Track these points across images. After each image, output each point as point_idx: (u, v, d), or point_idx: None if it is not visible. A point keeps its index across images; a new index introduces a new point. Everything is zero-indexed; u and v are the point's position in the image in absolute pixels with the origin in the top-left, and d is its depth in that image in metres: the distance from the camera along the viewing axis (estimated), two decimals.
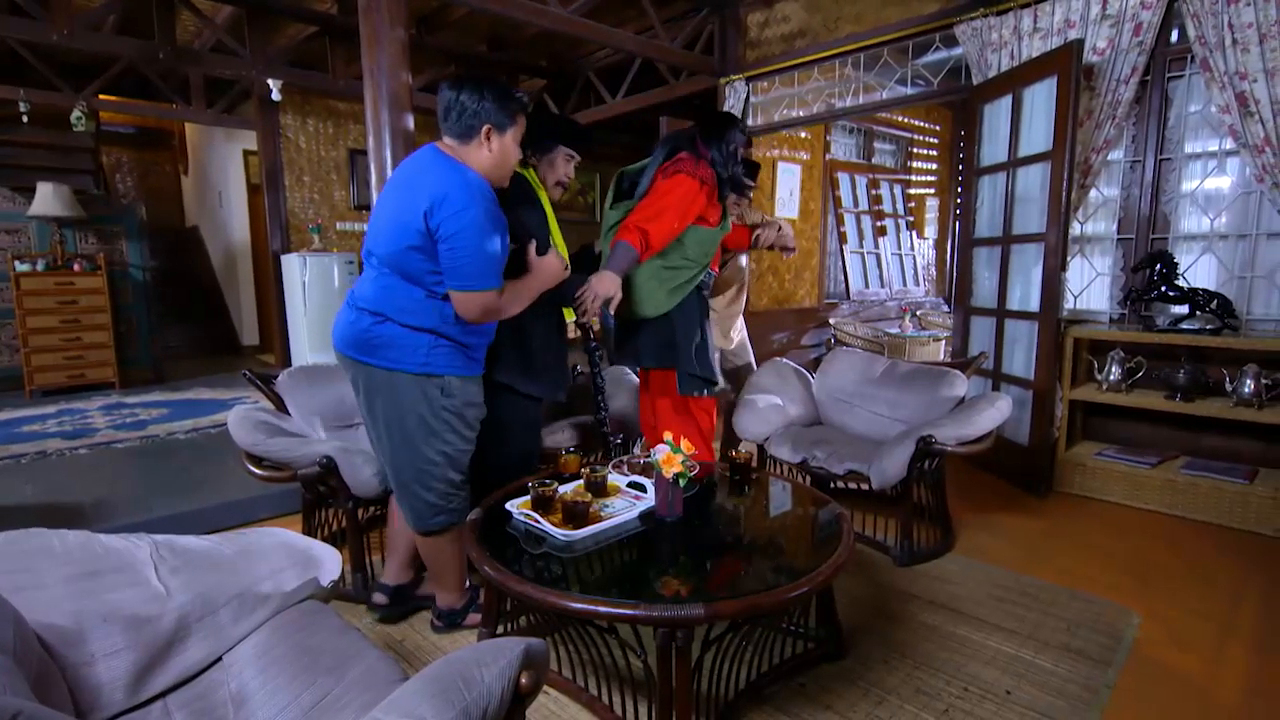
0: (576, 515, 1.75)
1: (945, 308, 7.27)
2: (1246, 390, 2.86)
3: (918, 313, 6.79)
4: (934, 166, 7.56)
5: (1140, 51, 3.00)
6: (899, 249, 7.23)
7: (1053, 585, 2.33)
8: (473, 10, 3.94)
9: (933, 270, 7.72)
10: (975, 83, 3.56)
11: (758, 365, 3.31)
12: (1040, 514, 3.02)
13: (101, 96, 5.58)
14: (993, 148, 3.50)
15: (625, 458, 2.25)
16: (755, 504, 2.12)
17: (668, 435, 1.84)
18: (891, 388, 2.92)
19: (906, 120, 7.09)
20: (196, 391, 5.32)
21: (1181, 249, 3.23)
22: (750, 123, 4.77)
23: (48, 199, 5.05)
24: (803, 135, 5.80)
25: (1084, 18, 3.11)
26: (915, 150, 7.34)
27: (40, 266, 5.11)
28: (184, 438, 3.93)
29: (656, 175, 2.35)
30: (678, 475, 1.78)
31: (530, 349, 2.11)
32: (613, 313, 2.23)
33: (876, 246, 6.93)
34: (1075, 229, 3.40)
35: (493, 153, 1.81)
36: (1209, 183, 3.16)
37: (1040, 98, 3.11)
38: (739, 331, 3.28)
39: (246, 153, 6.97)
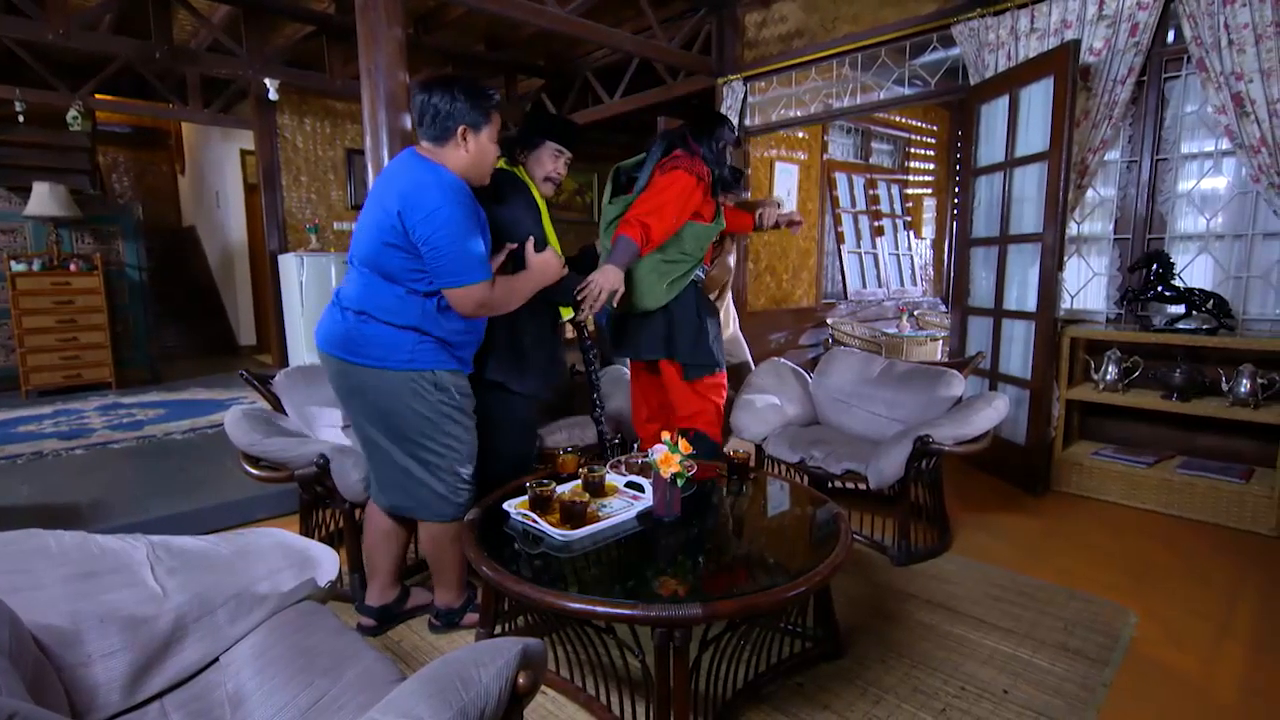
0: (574, 515, 1.75)
1: (942, 307, 7.28)
2: (1243, 390, 2.86)
3: (915, 313, 6.80)
4: (931, 167, 7.57)
5: (1137, 52, 3.01)
6: (896, 249, 7.24)
7: (1050, 584, 2.33)
8: (470, 10, 3.94)
9: (930, 270, 7.73)
10: (972, 83, 3.57)
11: (756, 365, 3.32)
12: (1037, 513, 3.03)
13: (98, 96, 5.57)
14: (990, 148, 3.51)
15: (623, 457, 2.26)
16: (753, 504, 2.12)
17: (665, 435, 1.84)
18: (889, 388, 2.93)
19: (904, 120, 7.10)
20: (193, 392, 5.31)
21: (1178, 249, 3.24)
22: (748, 123, 4.78)
23: (44, 199, 5.04)
24: (800, 135, 5.81)
25: (1081, 18, 3.11)
26: (913, 150, 7.34)
27: (36, 266, 5.10)
28: (181, 438, 3.92)
29: (654, 171, 2.41)
30: (675, 475, 1.78)
31: (523, 346, 2.12)
32: (615, 305, 2.26)
33: (874, 246, 6.93)
34: (1072, 229, 3.41)
35: (470, 153, 1.82)
36: (1205, 183, 3.16)
37: (1037, 98, 3.12)
38: (729, 327, 3.30)
39: (243, 152, 6.96)
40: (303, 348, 5.21)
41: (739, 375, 3.24)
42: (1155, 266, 3.07)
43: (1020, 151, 3.26)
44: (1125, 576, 2.41)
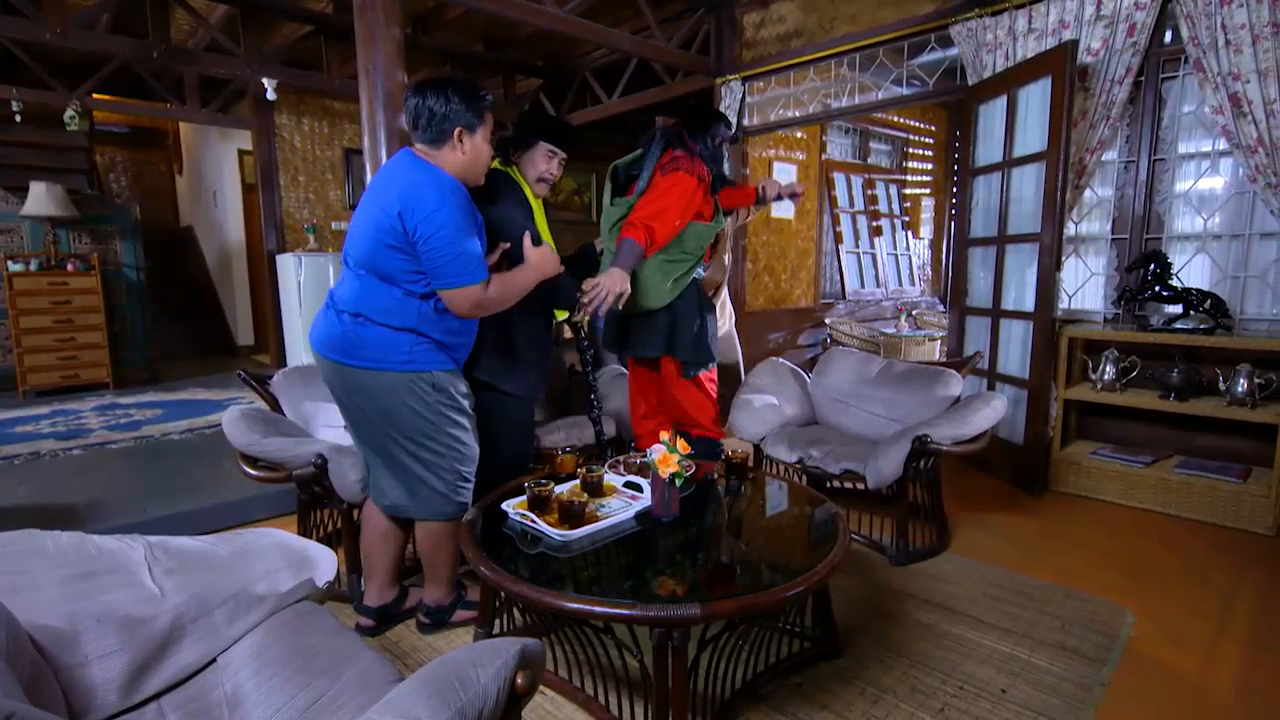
0: (572, 515, 1.75)
1: (941, 307, 7.29)
2: (1240, 389, 2.87)
3: (913, 312, 6.80)
4: (929, 167, 7.58)
5: (1134, 52, 3.01)
6: (895, 249, 7.24)
7: (1048, 584, 2.34)
8: (468, 10, 3.93)
9: (928, 270, 7.73)
10: (970, 83, 3.57)
11: (754, 365, 3.32)
12: (1035, 513, 3.03)
13: (95, 95, 5.55)
14: (988, 148, 3.51)
15: (621, 457, 2.26)
16: (751, 504, 2.12)
17: (664, 435, 1.84)
18: (887, 387, 2.93)
19: (902, 120, 7.10)
20: (191, 392, 5.31)
21: (1175, 249, 3.24)
22: (746, 123, 4.78)
23: (41, 198, 5.03)
24: (798, 135, 5.81)
25: (1078, 18, 3.12)
26: (911, 150, 7.35)
27: (33, 266, 5.09)
28: (179, 438, 3.91)
29: (655, 173, 2.41)
30: (674, 475, 1.78)
31: (516, 347, 2.12)
32: (620, 308, 2.28)
33: (872, 246, 6.93)
34: (1070, 229, 3.41)
35: (466, 154, 1.82)
36: (1202, 183, 3.17)
37: (1035, 98, 3.12)
38: (724, 326, 3.31)
39: (241, 152, 6.95)
40: (301, 348, 5.21)
41: (730, 376, 3.25)
42: (1153, 266, 3.08)
43: (1018, 152, 3.26)
44: (1123, 576, 2.42)
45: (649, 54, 4.53)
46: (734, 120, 4.70)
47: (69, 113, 5.24)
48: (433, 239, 1.70)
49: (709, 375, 2.67)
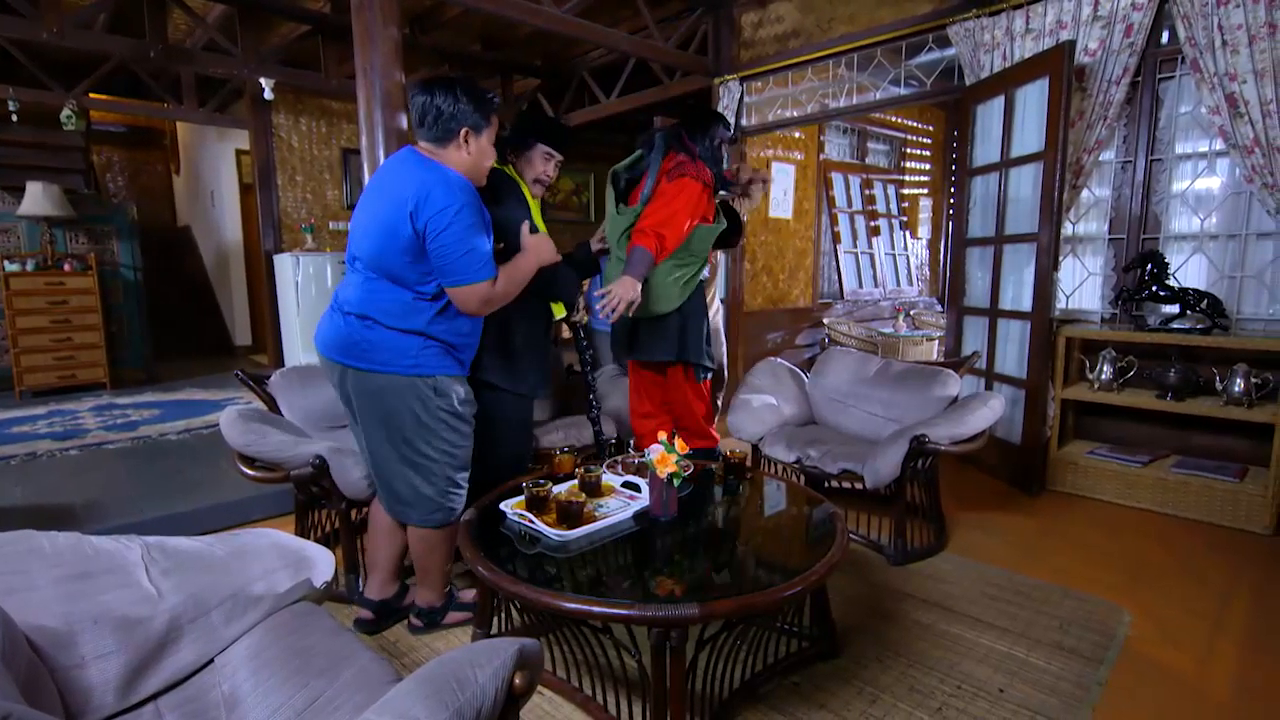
0: (571, 515, 1.75)
1: (938, 307, 7.30)
2: (1236, 389, 2.88)
3: (911, 312, 6.81)
4: (927, 167, 7.59)
5: (1131, 52, 3.02)
6: (892, 249, 7.25)
7: (1045, 583, 2.34)
8: (466, 9, 3.93)
9: (926, 270, 7.74)
10: (968, 83, 3.58)
11: (753, 365, 3.32)
12: (1033, 512, 3.04)
13: (92, 95, 5.54)
14: (985, 148, 3.52)
15: (619, 457, 2.26)
16: (750, 503, 2.12)
17: (662, 435, 1.84)
18: (885, 387, 2.93)
19: (900, 121, 7.11)
20: (189, 392, 5.30)
21: (1172, 249, 3.25)
22: (744, 123, 4.78)
23: (37, 198, 5.02)
24: (796, 135, 5.81)
25: (1075, 19, 3.12)
26: (909, 150, 7.36)
27: (30, 266, 5.08)
28: (176, 438, 3.91)
29: (660, 179, 2.43)
30: (672, 475, 1.78)
31: (514, 346, 2.12)
32: (631, 315, 2.30)
33: (870, 246, 6.94)
34: (1067, 229, 3.42)
35: (471, 154, 1.82)
36: (1199, 183, 3.18)
37: (1032, 98, 3.13)
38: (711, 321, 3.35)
39: (239, 152, 6.93)
40: (298, 348, 5.20)
41: (717, 375, 3.27)
42: (1150, 266, 3.09)
43: (1016, 152, 3.27)
44: (1120, 575, 2.42)
45: (647, 54, 4.53)
46: (732, 120, 4.70)
47: (66, 112, 5.23)
48: (442, 236, 1.69)
49: (704, 385, 2.72)
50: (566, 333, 2.54)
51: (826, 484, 2.68)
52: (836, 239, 6.50)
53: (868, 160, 6.91)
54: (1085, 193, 3.37)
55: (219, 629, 1.25)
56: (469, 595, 2.12)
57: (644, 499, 1.90)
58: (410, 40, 5.08)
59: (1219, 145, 3.02)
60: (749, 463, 2.27)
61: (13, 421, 4.31)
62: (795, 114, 4.61)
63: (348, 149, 6.61)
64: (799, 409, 3.12)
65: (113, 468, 3.39)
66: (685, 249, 2.46)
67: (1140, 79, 3.17)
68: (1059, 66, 2.92)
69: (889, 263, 7.19)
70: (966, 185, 3.67)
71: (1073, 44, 2.96)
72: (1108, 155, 3.31)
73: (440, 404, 1.83)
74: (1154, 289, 3.09)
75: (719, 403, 3.25)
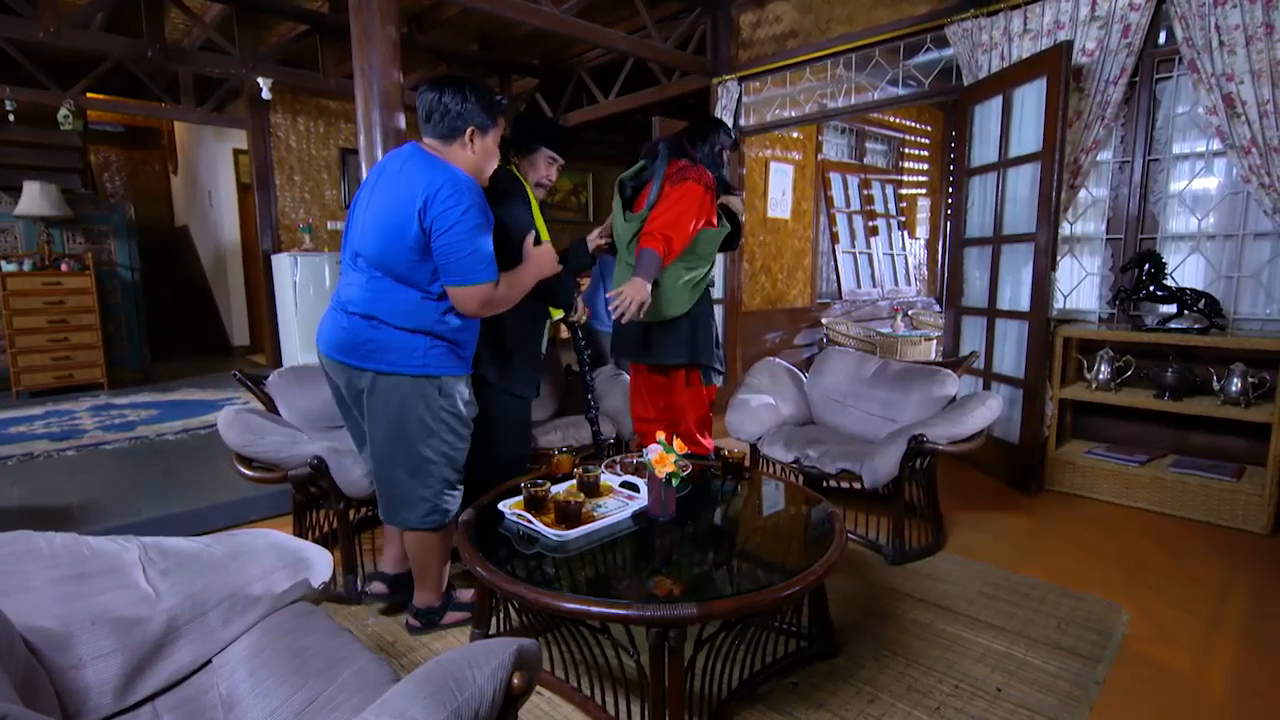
0: (569, 515, 1.75)
1: (936, 307, 7.31)
2: (1233, 389, 2.88)
3: (909, 312, 6.82)
4: (925, 167, 7.60)
5: (1129, 53, 3.02)
6: (891, 249, 7.26)
7: (1043, 583, 2.35)
8: (464, 9, 3.93)
9: (924, 270, 7.75)
10: (966, 84, 3.58)
11: (751, 365, 3.32)
12: (1030, 512, 3.04)
13: (89, 95, 5.53)
14: (983, 148, 3.52)
15: (618, 457, 2.26)
16: (748, 503, 2.12)
17: (660, 435, 1.84)
18: (883, 387, 2.93)
19: (898, 121, 7.12)
20: (186, 392, 5.29)
21: (1169, 249, 3.25)
22: (742, 123, 4.78)
23: (35, 198, 5.00)
24: (795, 135, 5.81)
25: (1073, 19, 3.13)
26: (907, 150, 7.37)
27: (27, 266, 5.06)
28: (173, 439, 3.90)
29: (664, 185, 2.50)
30: (670, 475, 1.78)
31: (507, 345, 2.12)
32: (642, 316, 2.33)
33: (868, 246, 6.95)
34: (1065, 229, 3.42)
35: (475, 154, 1.82)
36: (1196, 183, 3.18)
37: (1030, 99, 3.13)
38: None
39: (236, 152, 6.92)
40: (296, 348, 5.20)
41: None
42: (1147, 266, 3.09)
43: (1013, 152, 3.27)
44: (1118, 574, 2.43)
45: (645, 54, 4.53)
46: (730, 120, 4.70)
47: (63, 112, 5.22)
48: (448, 234, 1.68)
49: (708, 392, 2.74)
50: (565, 332, 2.55)
51: (825, 484, 2.69)
52: (835, 239, 6.51)
53: (866, 160, 6.92)
54: (1083, 193, 3.38)
55: (217, 630, 1.25)
56: (467, 595, 2.12)
57: (642, 499, 1.90)
58: (408, 40, 5.08)
59: (1216, 145, 3.02)
60: (747, 462, 2.27)
61: (10, 422, 4.30)
62: (793, 114, 4.62)
63: (346, 149, 6.60)
64: (797, 409, 3.12)
65: (110, 468, 3.38)
66: (692, 252, 2.50)
67: (1138, 79, 3.17)
68: (1057, 67, 2.92)
69: (887, 263, 7.19)
70: (964, 185, 3.68)
71: (1070, 44, 2.96)
72: (1105, 155, 3.32)
73: (444, 404, 1.83)
74: (1151, 289, 3.09)
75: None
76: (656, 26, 4.58)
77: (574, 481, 2.00)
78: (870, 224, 6.95)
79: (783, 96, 4.64)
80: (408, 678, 0.87)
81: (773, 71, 4.56)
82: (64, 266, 5.17)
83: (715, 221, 2.58)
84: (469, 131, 1.79)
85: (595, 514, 1.82)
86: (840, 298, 6.57)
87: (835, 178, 6.52)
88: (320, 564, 1.42)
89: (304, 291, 5.16)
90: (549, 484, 1.91)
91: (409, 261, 1.72)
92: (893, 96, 4.21)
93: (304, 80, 5.45)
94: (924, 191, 7.62)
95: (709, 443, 2.78)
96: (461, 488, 1.95)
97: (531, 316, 2.20)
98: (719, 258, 3.30)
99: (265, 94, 5.27)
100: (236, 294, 7.48)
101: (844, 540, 1.71)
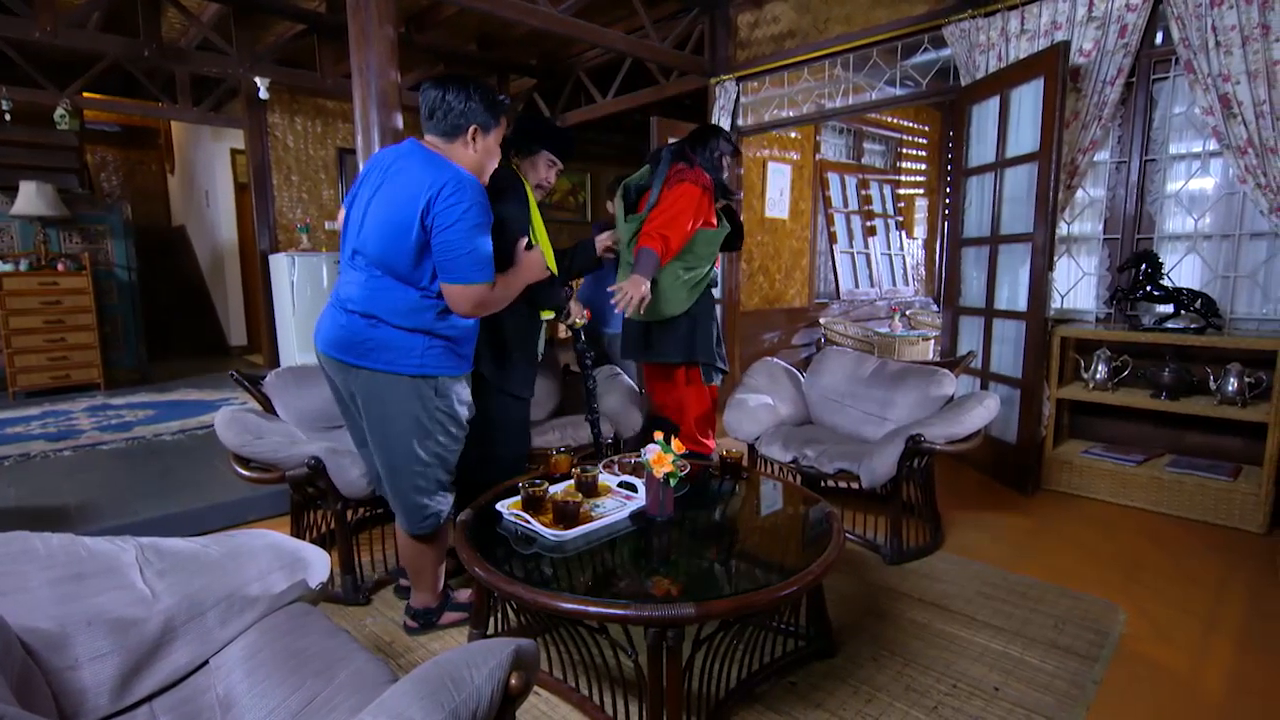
0: (567, 515, 1.75)
1: (934, 307, 7.31)
2: (1230, 388, 2.89)
3: (907, 312, 6.83)
4: (923, 167, 7.60)
5: (1126, 53, 3.03)
6: (888, 249, 7.26)
7: (1040, 582, 2.35)
8: (462, 9, 3.93)
9: (922, 270, 7.76)
10: (963, 84, 3.59)
11: (749, 365, 3.33)
12: (1028, 511, 3.04)
13: (86, 94, 5.51)
14: (981, 148, 3.52)
15: (616, 457, 2.26)
16: (746, 503, 2.12)
17: (659, 435, 1.84)
18: (881, 387, 2.94)
19: (896, 121, 7.13)
20: (183, 392, 5.28)
21: (1166, 249, 3.26)
22: (740, 123, 4.78)
23: (31, 198, 4.99)
24: (793, 135, 5.82)
25: (1070, 20, 3.13)
26: (904, 151, 7.37)
27: (23, 266, 5.05)
28: (170, 439, 3.89)
29: (663, 187, 2.57)
30: (668, 475, 1.78)
31: (505, 344, 2.12)
32: (643, 313, 2.41)
33: (866, 246, 6.96)
34: (1062, 229, 3.43)
35: (477, 152, 1.82)
36: (1193, 183, 3.19)
37: (1027, 99, 3.14)
38: None
39: (234, 151, 6.91)
40: (294, 348, 5.18)
41: None
42: (1144, 266, 3.10)
43: (1011, 152, 3.28)
44: (1115, 574, 2.43)
45: (643, 54, 4.53)
46: (729, 121, 4.71)
47: (59, 111, 5.20)
48: (448, 232, 1.67)
49: (710, 389, 2.78)
50: (563, 332, 2.57)
51: (823, 483, 2.69)
52: (833, 239, 6.51)
53: (864, 160, 6.92)
54: (1080, 193, 3.38)
55: (214, 630, 1.25)
56: (465, 595, 2.11)
57: (640, 499, 1.90)
58: (406, 40, 5.07)
59: (1213, 146, 3.03)
60: (745, 462, 2.27)
61: (6, 422, 4.29)
62: (791, 114, 4.62)
63: (343, 149, 6.59)
64: (795, 409, 3.13)
65: (107, 468, 3.37)
66: (690, 252, 2.56)
67: (1134, 80, 3.18)
68: (1054, 67, 2.93)
69: (885, 263, 7.20)
70: (962, 185, 3.68)
71: (1068, 45, 2.97)
72: (1102, 155, 3.32)
73: (440, 405, 1.82)
74: (1148, 289, 3.10)
75: None
76: (654, 26, 4.58)
77: (572, 481, 2.00)
78: (868, 224, 6.95)
79: (781, 96, 4.65)
80: (405, 678, 0.87)
81: (771, 71, 4.56)
82: (60, 266, 5.16)
83: (714, 222, 2.63)
84: (471, 130, 1.79)
85: (593, 514, 1.82)
86: (838, 298, 6.58)
87: (833, 178, 6.52)
88: (318, 564, 1.41)
89: (301, 292, 5.15)
90: (547, 484, 1.90)
91: (409, 260, 1.71)
92: (890, 97, 4.21)
93: (301, 80, 5.44)
94: (922, 191, 7.63)
95: (710, 443, 2.80)
96: (454, 489, 1.95)
97: (530, 316, 2.20)
98: (719, 258, 3.34)
99: (263, 94, 5.26)
100: (234, 294, 7.47)
101: (842, 540, 1.71)
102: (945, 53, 3.72)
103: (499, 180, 2.02)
